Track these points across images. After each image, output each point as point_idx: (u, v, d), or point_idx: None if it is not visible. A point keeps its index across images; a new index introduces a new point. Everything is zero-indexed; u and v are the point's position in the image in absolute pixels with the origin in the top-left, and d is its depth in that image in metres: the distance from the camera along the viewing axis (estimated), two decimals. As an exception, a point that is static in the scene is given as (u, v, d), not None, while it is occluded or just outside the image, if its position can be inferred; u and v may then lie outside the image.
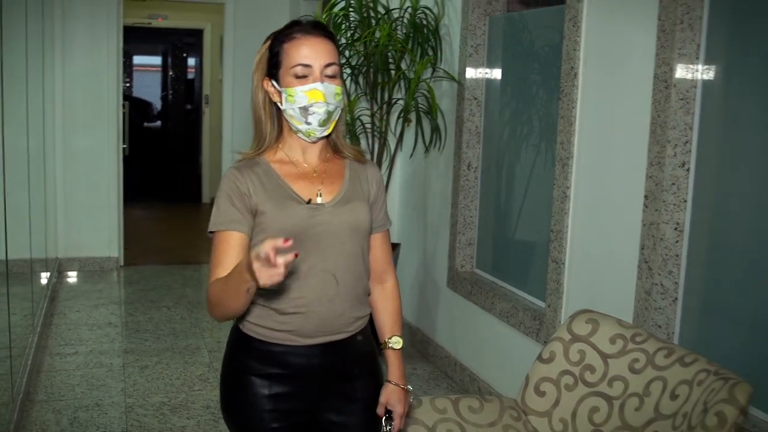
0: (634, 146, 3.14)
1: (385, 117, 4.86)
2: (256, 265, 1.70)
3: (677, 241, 3.00)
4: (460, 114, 4.65)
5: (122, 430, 3.94)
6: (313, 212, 2.05)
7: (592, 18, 3.44)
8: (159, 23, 11.37)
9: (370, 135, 4.93)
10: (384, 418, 2.20)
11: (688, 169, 2.96)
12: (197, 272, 7.47)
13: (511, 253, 4.50)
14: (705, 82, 2.92)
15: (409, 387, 2.25)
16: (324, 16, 4.76)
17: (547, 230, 3.81)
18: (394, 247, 5.04)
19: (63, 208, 7.14)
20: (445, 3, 4.80)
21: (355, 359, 2.16)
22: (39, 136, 5.69)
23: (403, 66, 4.80)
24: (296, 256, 1.72)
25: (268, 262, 1.67)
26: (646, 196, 3.06)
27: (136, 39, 11.63)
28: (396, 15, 4.86)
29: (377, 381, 2.23)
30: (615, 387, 2.58)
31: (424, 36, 4.75)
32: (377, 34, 4.68)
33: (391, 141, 5.03)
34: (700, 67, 2.91)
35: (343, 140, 2.19)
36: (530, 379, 2.76)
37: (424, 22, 4.78)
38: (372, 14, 4.86)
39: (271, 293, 2.04)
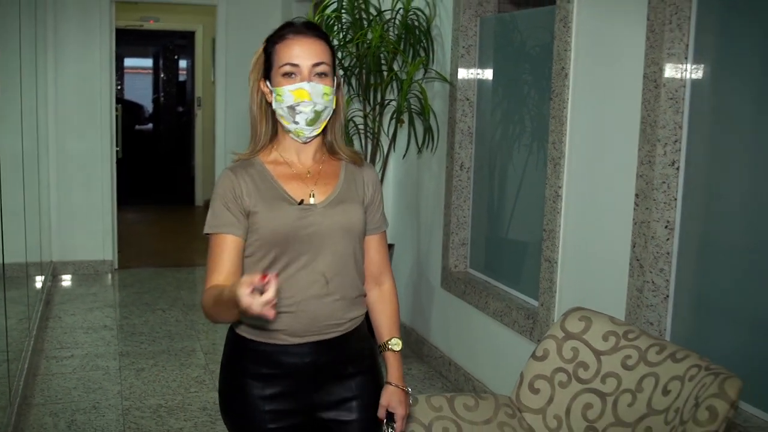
0: (624, 145, 3.17)
1: (377, 118, 4.89)
2: (245, 302, 1.71)
3: (668, 239, 3.04)
4: (452, 114, 4.68)
5: (119, 432, 3.97)
6: (304, 213, 2.07)
7: (582, 18, 3.47)
8: (151, 25, 11.38)
9: (363, 136, 4.96)
10: (385, 420, 2.21)
11: (678, 168, 2.99)
12: (191, 275, 7.48)
13: (504, 252, 4.53)
14: (694, 82, 2.95)
15: (409, 389, 2.27)
16: (316, 18, 4.78)
17: (540, 229, 3.84)
18: (389, 247, 5.06)
19: (57, 211, 7.15)
20: (436, 4, 4.83)
21: (349, 358, 2.17)
22: (33, 139, 5.70)
23: (396, 67, 4.83)
24: (276, 276, 1.73)
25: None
26: (636, 195, 3.10)
27: (126, 41, 11.63)
28: (388, 16, 4.89)
29: (375, 379, 2.24)
30: (608, 383, 2.61)
31: (415, 37, 4.78)
32: (369, 36, 4.70)
33: (384, 142, 5.05)
34: (688, 66, 2.95)
35: (342, 142, 2.19)
36: (524, 377, 2.79)
37: (416, 23, 4.80)
38: (364, 16, 4.89)
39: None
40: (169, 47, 13.23)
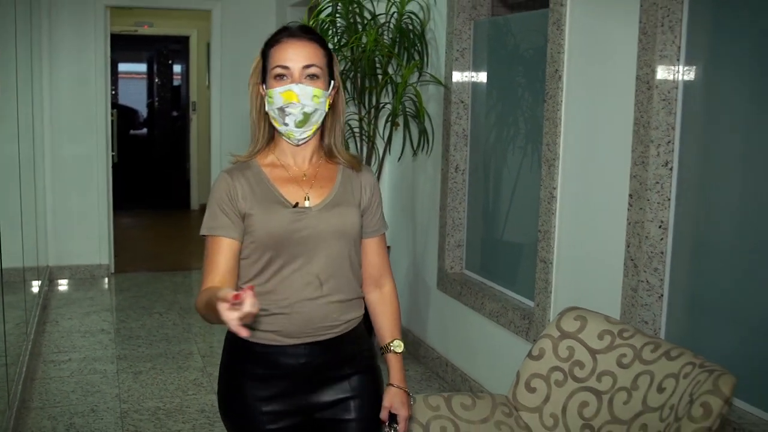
0: (618, 146, 3.21)
1: (373, 121, 4.92)
2: (225, 317, 1.71)
3: (662, 239, 3.07)
4: (447, 117, 4.71)
5: (118, 435, 3.98)
6: (298, 216, 2.08)
7: (575, 21, 3.51)
8: (145, 30, 11.39)
9: (358, 139, 4.98)
10: (387, 422, 2.23)
11: (671, 168, 3.03)
12: (188, 278, 7.50)
13: (499, 253, 4.56)
14: (686, 83, 2.99)
15: (410, 390, 2.29)
16: (311, 22, 4.81)
17: (535, 230, 3.87)
18: (384, 249, 5.08)
19: (53, 216, 7.17)
20: (430, 8, 4.86)
21: (345, 359, 2.18)
22: (29, 144, 5.72)
23: (390, 71, 4.86)
24: (251, 288, 1.71)
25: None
26: (630, 195, 3.13)
27: (120, 46, 11.63)
28: (382, 20, 4.92)
29: (374, 379, 2.25)
30: (604, 382, 2.64)
31: (410, 41, 4.81)
32: (364, 40, 4.73)
33: (380, 145, 5.08)
34: (680, 68, 2.98)
35: (341, 146, 2.20)
36: (521, 376, 2.81)
37: (410, 27, 4.84)
38: (358, 20, 4.92)
39: (259, 295, 2.09)
40: (163, 52, 13.23)
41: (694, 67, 2.97)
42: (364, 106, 4.91)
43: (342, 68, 4.84)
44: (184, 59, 12.38)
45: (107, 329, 5.77)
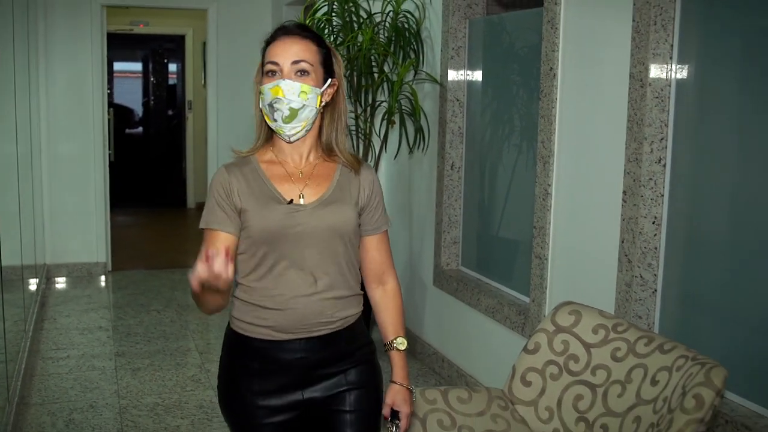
0: (612, 143, 3.25)
1: (369, 119, 4.96)
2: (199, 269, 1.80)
3: (655, 235, 3.11)
4: (442, 115, 4.75)
5: (117, 430, 4.01)
6: (292, 212, 2.10)
7: (569, 20, 3.54)
8: (141, 29, 11.41)
9: (355, 137, 5.02)
10: (390, 418, 2.26)
11: (664, 165, 3.07)
12: (184, 276, 7.49)
13: (495, 250, 4.60)
14: (678, 81, 3.03)
15: (413, 387, 2.31)
16: (307, 21, 4.84)
17: (530, 227, 3.91)
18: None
19: (49, 214, 7.19)
20: (426, 7, 4.89)
21: (342, 355, 2.20)
22: (26, 143, 5.74)
23: (386, 69, 4.89)
24: (226, 254, 1.81)
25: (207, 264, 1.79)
26: (624, 192, 3.17)
27: (115, 45, 11.65)
28: (378, 19, 4.95)
29: (371, 373, 2.26)
30: (598, 375, 2.68)
31: (406, 39, 4.85)
32: (360, 38, 4.76)
33: (376, 142, 5.11)
34: (673, 66, 3.02)
35: (342, 144, 2.21)
36: (516, 370, 2.85)
37: (406, 25, 4.87)
38: (354, 19, 4.95)
39: (254, 290, 2.13)
40: (159, 51, 13.25)
41: (687, 65, 3.01)
42: (361, 105, 4.94)
43: (339, 67, 4.86)
44: (179, 58, 12.39)
45: (105, 326, 5.80)
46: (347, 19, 4.94)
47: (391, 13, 4.88)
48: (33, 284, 5.94)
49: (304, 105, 2.08)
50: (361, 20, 4.94)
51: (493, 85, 4.50)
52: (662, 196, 3.09)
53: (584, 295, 3.37)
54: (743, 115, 2.87)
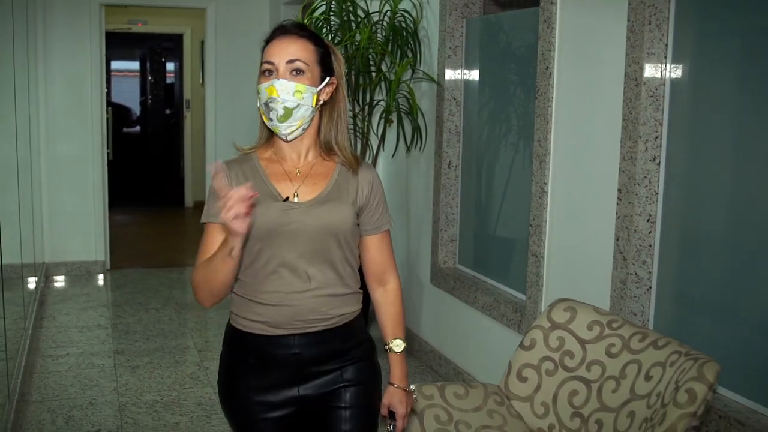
0: (607, 142, 3.28)
1: (367, 118, 4.98)
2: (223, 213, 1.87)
3: (650, 232, 3.14)
4: (439, 114, 4.77)
5: (117, 427, 4.03)
6: (287, 210, 2.11)
7: (565, 19, 3.57)
8: (139, 28, 11.42)
9: (352, 136, 5.05)
10: (387, 419, 2.29)
11: (658, 163, 3.10)
12: (183, 275, 7.55)
13: (492, 248, 4.63)
14: (673, 80, 3.06)
15: (412, 387, 2.33)
16: (305, 21, 4.87)
17: (526, 225, 3.94)
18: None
19: (48, 213, 7.22)
20: (423, 6, 4.92)
21: (338, 352, 2.21)
22: (26, 142, 5.77)
23: (384, 68, 4.92)
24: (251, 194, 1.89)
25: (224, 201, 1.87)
26: (619, 190, 3.20)
27: (113, 44, 11.67)
28: (375, 18, 4.98)
29: (369, 370, 2.27)
30: (593, 371, 2.71)
31: (403, 38, 4.88)
32: (358, 38, 4.79)
33: (374, 141, 5.14)
34: (667, 65, 3.05)
35: (342, 143, 2.22)
36: (512, 366, 2.89)
37: (403, 25, 4.90)
38: (352, 18, 4.98)
39: (250, 286, 2.15)
40: (156, 50, 13.27)
41: (681, 64, 3.04)
42: (358, 103, 4.97)
43: (338, 66, 4.88)
44: (177, 57, 12.41)
45: (104, 324, 5.83)
46: (345, 18, 4.97)
47: (388, 13, 4.91)
48: (32, 283, 5.96)
49: (299, 104, 2.09)
50: (359, 19, 4.96)
51: (489, 84, 4.53)
52: (657, 194, 3.12)
53: (580, 292, 3.40)
54: (737, 114, 2.90)
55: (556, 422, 2.75)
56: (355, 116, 4.99)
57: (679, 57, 3.04)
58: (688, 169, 3.05)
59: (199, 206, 10.48)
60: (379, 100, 4.98)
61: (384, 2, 4.91)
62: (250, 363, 2.18)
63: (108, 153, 7.56)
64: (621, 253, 3.21)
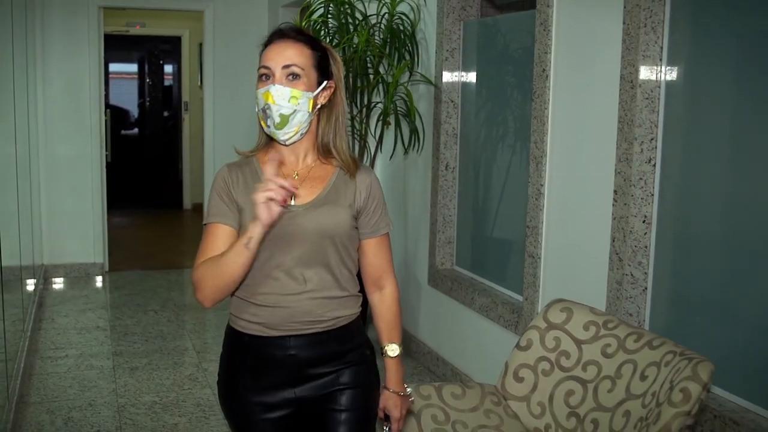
0: (603, 144, 3.30)
1: (364, 120, 5.00)
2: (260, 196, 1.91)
3: (645, 234, 3.17)
4: (437, 116, 4.80)
5: (116, 428, 4.05)
6: (284, 213, 2.09)
7: (561, 22, 3.60)
8: (137, 31, 11.43)
9: (350, 138, 5.06)
10: (383, 421, 2.31)
11: (654, 165, 3.12)
12: (181, 276, 7.57)
13: (489, 249, 4.65)
14: (668, 82, 3.08)
15: (409, 390, 2.34)
16: (303, 23, 4.89)
17: (523, 226, 3.96)
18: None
19: (47, 215, 7.23)
20: (420, 9, 4.94)
21: (335, 355, 2.21)
22: (25, 144, 5.78)
23: (382, 70, 4.94)
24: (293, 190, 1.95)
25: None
26: (615, 191, 3.22)
27: (110, 46, 11.67)
28: (373, 21, 5.00)
29: (366, 372, 2.28)
30: (589, 371, 2.73)
31: (401, 41, 4.90)
32: (355, 40, 4.81)
33: (371, 143, 5.16)
34: (663, 67, 3.08)
35: (340, 146, 2.21)
36: (509, 366, 2.90)
37: (401, 27, 4.92)
38: (350, 21, 5.00)
39: (248, 287, 2.16)
40: (154, 52, 13.28)
41: (676, 66, 3.06)
42: (356, 106, 4.99)
43: (336, 69, 4.90)
44: (175, 59, 12.42)
45: (103, 326, 5.85)
46: (343, 20, 4.99)
47: (386, 15, 4.93)
48: (31, 285, 5.98)
49: (295, 110, 2.09)
50: (357, 22, 4.98)
51: (487, 86, 4.55)
52: (652, 195, 3.14)
53: (576, 293, 3.42)
54: (731, 115, 2.93)
55: (553, 422, 2.77)
56: (353, 118, 5.01)
57: (674, 59, 3.06)
58: (683, 171, 3.07)
59: (198, 208, 10.51)
60: (377, 103, 5.00)
61: (382, 5, 4.94)
62: (248, 364, 2.19)
63: (107, 155, 7.58)
64: (617, 254, 3.23)
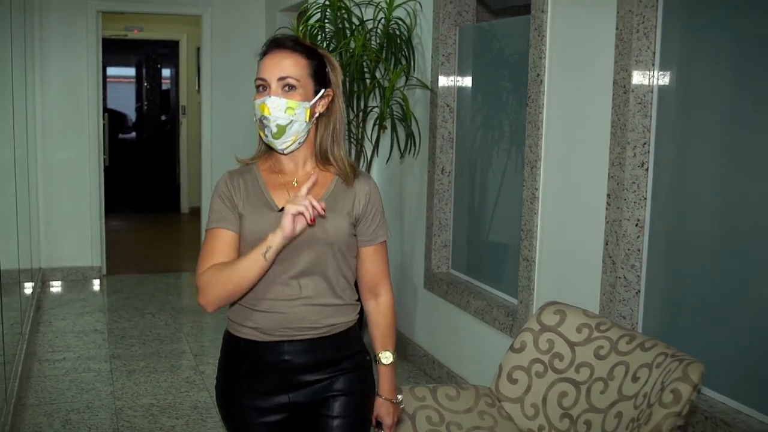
0: (596, 148, 3.33)
1: (361, 124, 5.03)
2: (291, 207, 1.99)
3: (638, 237, 3.20)
4: (433, 120, 4.83)
5: (113, 430, 4.07)
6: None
7: (555, 27, 3.63)
8: (135, 35, 11.46)
9: (347, 142, 5.09)
10: (375, 428, 2.34)
11: (647, 169, 3.15)
12: (179, 280, 7.59)
13: (484, 253, 4.68)
14: (660, 87, 3.12)
15: (399, 397, 2.37)
16: (300, 28, 4.92)
17: (518, 230, 3.99)
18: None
19: (45, 218, 7.26)
20: (417, 14, 4.98)
21: (330, 361, 2.23)
22: (23, 148, 5.81)
23: (378, 75, 4.96)
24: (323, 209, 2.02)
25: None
26: (608, 195, 3.25)
27: (108, 50, 11.69)
28: (370, 26, 5.02)
29: (361, 380, 2.29)
30: (582, 373, 2.76)
31: (397, 46, 4.92)
32: (352, 45, 4.84)
33: (368, 147, 5.18)
34: (655, 72, 3.11)
35: (338, 153, 2.22)
36: (503, 368, 2.93)
37: (397, 32, 4.95)
38: (347, 25, 5.02)
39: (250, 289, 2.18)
40: (152, 56, 13.30)
41: (669, 71, 3.10)
42: (353, 110, 5.02)
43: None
44: (173, 63, 12.45)
45: (100, 329, 5.87)
46: (340, 25, 5.02)
47: (382, 20, 4.95)
48: (29, 288, 6.00)
49: (291, 121, 2.11)
50: (354, 27, 5.01)
51: (482, 91, 4.58)
52: (645, 199, 3.17)
53: (570, 296, 3.44)
54: (724, 120, 2.96)
55: (546, 423, 2.80)
56: (349, 123, 5.03)
57: (667, 64, 3.10)
58: (675, 175, 3.11)
59: (195, 212, 10.51)
60: (374, 107, 5.03)
61: (378, 10, 4.97)
62: (243, 368, 2.21)
63: (104, 159, 7.60)
64: (610, 257, 3.26)
